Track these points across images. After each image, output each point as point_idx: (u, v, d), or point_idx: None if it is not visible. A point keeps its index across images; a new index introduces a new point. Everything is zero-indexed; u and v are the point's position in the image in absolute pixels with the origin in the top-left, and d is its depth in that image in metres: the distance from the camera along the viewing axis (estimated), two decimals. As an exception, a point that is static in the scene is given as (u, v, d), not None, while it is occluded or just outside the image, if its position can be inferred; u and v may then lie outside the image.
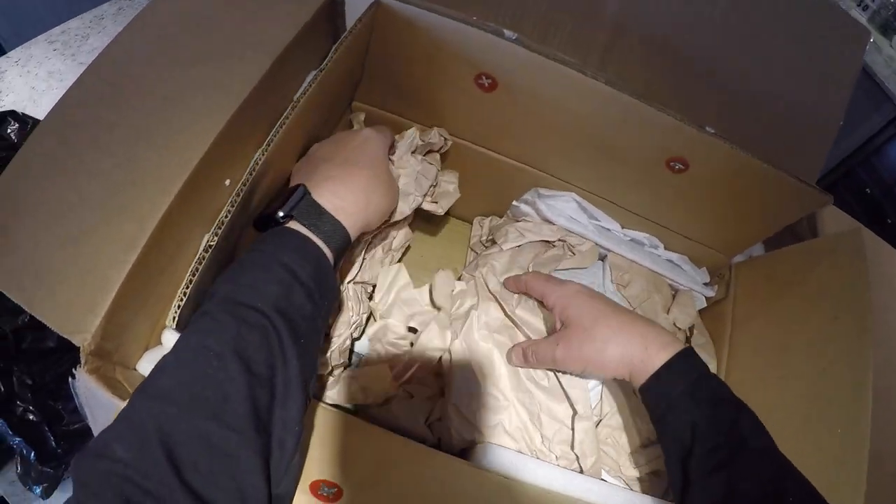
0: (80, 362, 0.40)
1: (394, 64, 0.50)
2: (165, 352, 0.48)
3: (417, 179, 0.52)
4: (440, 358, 0.51)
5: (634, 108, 0.48)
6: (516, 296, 0.55)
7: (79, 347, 0.40)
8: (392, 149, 0.52)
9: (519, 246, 0.59)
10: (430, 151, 0.58)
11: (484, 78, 0.49)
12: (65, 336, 0.39)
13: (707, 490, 0.40)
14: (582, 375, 0.50)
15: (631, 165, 0.56)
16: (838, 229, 0.70)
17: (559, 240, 0.59)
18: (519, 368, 0.50)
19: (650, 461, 0.51)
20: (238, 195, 0.37)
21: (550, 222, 0.60)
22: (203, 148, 0.44)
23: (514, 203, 0.64)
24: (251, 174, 0.39)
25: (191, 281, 0.34)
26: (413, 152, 0.54)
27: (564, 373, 0.51)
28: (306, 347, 0.35)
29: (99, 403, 0.40)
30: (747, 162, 0.50)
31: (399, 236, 0.58)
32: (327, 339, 0.52)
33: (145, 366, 0.45)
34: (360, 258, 0.54)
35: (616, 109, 0.48)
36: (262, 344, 0.33)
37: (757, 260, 0.65)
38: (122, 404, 0.35)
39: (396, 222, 0.55)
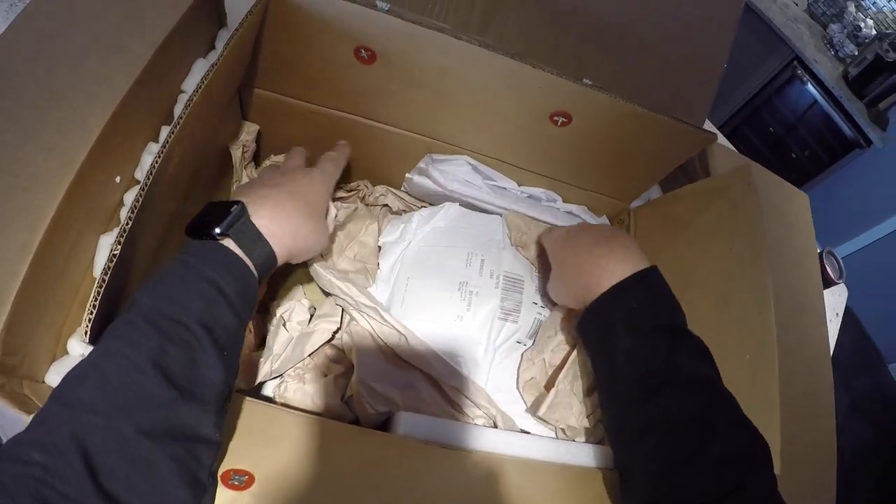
0: (-19, 382, 0.39)
1: (276, 44, 0.49)
2: (73, 362, 0.48)
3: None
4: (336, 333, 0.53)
5: (511, 68, 0.49)
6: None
7: (-20, 366, 0.39)
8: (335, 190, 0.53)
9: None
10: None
11: (363, 51, 0.49)
12: (-38, 355, 0.38)
13: (633, 416, 0.41)
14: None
15: (517, 124, 0.57)
16: (730, 166, 0.74)
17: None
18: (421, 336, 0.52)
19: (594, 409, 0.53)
20: (138, 201, 0.36)
21: (443, 187, 0.61)
22: (87, 146, 0.43)
23: (408, 175, 0.65)
24: (149, 178, 0.38)
25: (98, 293, 0.34)
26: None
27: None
28: (230, 360, 0.36)
29: (9, 421, 0.38)
30: (628, 109, 0.52)
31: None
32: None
33: (54, 378, 0.44)
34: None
35: (495, 71, 0.50)
36: (183, 358, 0.33)
37: (654, 202, 0.68)
38: (29, 419, 0.33)
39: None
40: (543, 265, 0.60)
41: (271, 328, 0.54)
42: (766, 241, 0.55)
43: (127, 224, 0.36)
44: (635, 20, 0.59)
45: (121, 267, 0.37)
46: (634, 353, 0.42)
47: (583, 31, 0.58)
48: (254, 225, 0.40)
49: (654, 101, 0.53)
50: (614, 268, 0.45)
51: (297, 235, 0.42)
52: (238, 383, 0.50)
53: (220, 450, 0.35)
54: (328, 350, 0.51)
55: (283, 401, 0.49)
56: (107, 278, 0.34)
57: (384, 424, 0.48)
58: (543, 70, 0.49)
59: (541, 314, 0.56)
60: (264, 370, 0.50)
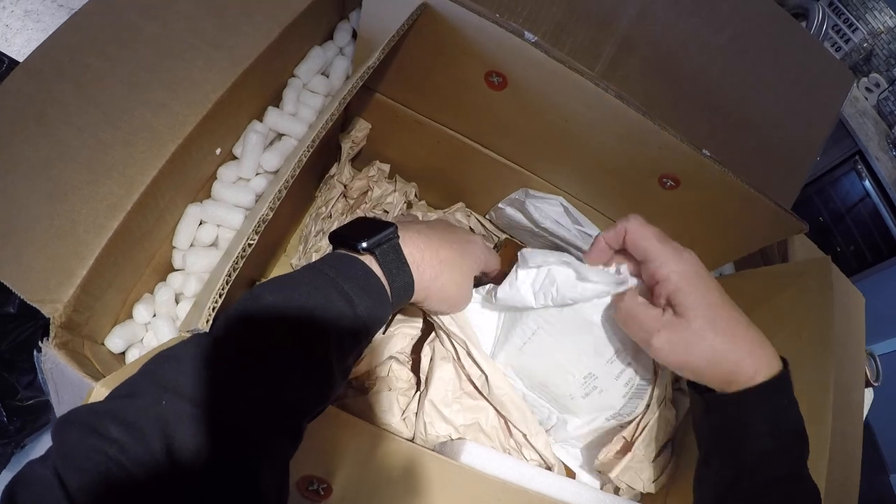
0: (47, 334, 0.37)
1: (412, 53, 0.48)
2: (136, 328, 0.46)
3: None
4: (415, 346, 0.50)
5: (637, 123, 0.48)
6: None
7: (47, 318, 0.37)
8: (489, 275, 0.48)
9: None
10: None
11: (495, 76, 0.48)
12: (33, 304, 0.36)
13: None
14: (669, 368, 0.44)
15: (623, 177, 0.56)
16: (805, 255, 0.72)
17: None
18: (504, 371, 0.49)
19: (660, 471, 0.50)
20: (278, 200, 0.34)
21: (536, 223, 0.59)
22: (201, 112, 0.41)
23: (500, 205, 0.63)
24: (294, 172, 0.35)
25: (228, 281, 0.31)
26: None
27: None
28: (341, 373, 0.33)
29: (66, 381, 0.36)
30: (735, 185, 0.50)
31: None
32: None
33: (115, 341, 0.42)
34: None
35: (619, 122, 0.48)
36: (295, 372, 0.30)
37: (727, 278, 0.66)
38: (91, 383, 0.31)
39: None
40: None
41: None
42: (835, 335, 0.54)
43: (267, 215, 0.33)
44: (745, 100, 0.58)
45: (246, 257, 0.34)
46: (772, 456, 0.38)
47: (697, 101, 0.57)
48: (401, 250, 0.37)
49: (752, 180, 0.52)
50: (762, 356, 0.39)
51: (440, 279, 0.39)
52: None
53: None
54: (395, 365, 0.49)
55: (341, 406, 0.47)
56: (237, 267, 0.32)
57: (438, 448, 0.47)
58: (668, 132, 0.47)
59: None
60: None
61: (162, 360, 0.28)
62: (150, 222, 0.41)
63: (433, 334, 0.48)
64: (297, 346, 0.30)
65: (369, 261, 0.35)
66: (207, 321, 0.30)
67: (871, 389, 1.07)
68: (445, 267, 0.39)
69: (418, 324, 0.51)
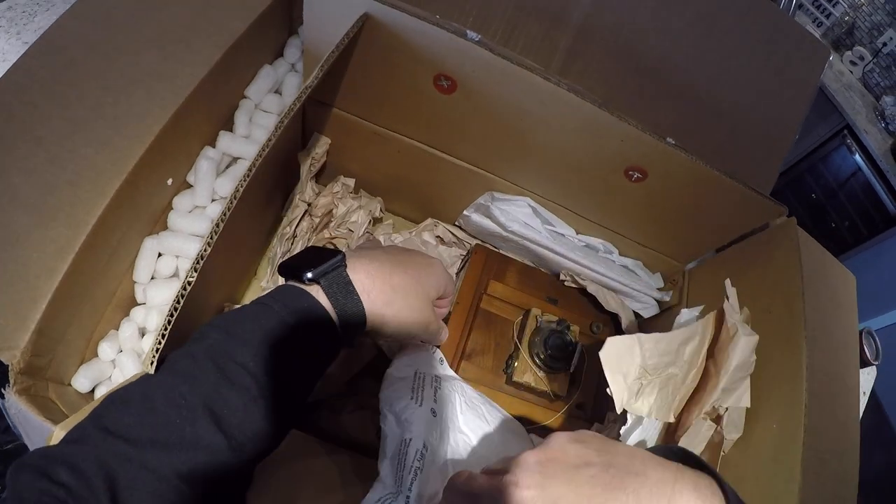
0: (8, 382, 0.37)
1: (357, 64, 0.48)
2: (102, 366, 0.45)
3: None
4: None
5: (596, 117, 0.47)
6: None
7: (7, 365, 0.36)
8: (446, 297, 0.45)
9: None
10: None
11: (443, 79, 0.47)
12: (-11, 353, 0.36)
13: None
14: None
15: (588, 173, 0.55)
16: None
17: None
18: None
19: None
20: (213, 235, 0.33)
21: (503, 227, 0.59)
22: (144, 144, 0.41)
23: (465, 213, 0.62)
24: (232, 203, 0.35)
25: (169, 322, 0.31)
26: None
27: None
28: (287, 411, 0.33)
29: (30, 425, 0.36)
30: (706, 173, 0.49)
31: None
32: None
33: (81, 381, 0.42)
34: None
35: (577, 117, 0.47)
36: (238, 405, 0.30)
37: (707, 263, 0.65)
38: (55, 428, 0.32)
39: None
40: None
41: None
42: (806, 305, 0.51)
43: (204, 251, 0.33)
44: (714, 83, 0.57)
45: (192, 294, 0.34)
46: None
47: (662, 88, 0.56)
48: (349, 278, 0.36)
49: (725, 166, 0.51)
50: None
51: (394, 305, 0.38)
52: None
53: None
54: (369, 382, 0.48)
55: (315, 430, 0.47)
56: (178, 307, 0.31)
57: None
58: (629, 123, 0.46)
59: None
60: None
61: (109, 402, 0.29)
62: (103, 260, 0.41)
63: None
64: (237, 386, 0.30)
65: (316, 291, 0.34)
66: (151, 363, 0.30)
67: (873, 368, 1.06)
68: (399, 293, 0.38)
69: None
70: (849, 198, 1.75)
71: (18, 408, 0.36)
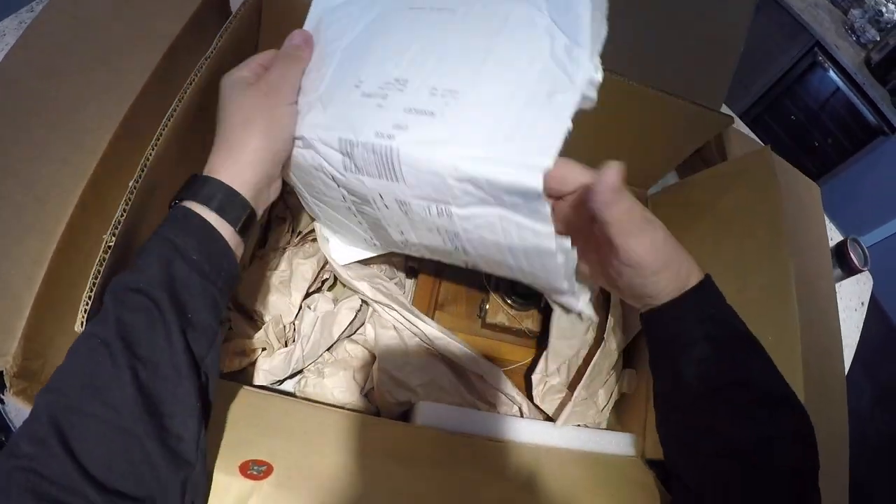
0: (5, 386, 0.40)
1: (273, 38, 0.49)
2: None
3: None
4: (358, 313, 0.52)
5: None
6: None
7: (2, 372, 0.39)
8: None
9: None
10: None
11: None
12: (-15, 362, 0.39)
13: (711, 434, 0.37)
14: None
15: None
16: (747, 151, 0.72)
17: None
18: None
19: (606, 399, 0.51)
20: (132, 193, 0.37)
21: None
22: (97, 156, 0.44)
23: None
24: (142, 170, 0.39)
25: (94, 284, 0.34)
26: None
27: None
28: (196, 323, 0.35)
29: (30, 426, 0.39)
30: (643, 93, 0.51)
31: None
32: (251, 319, 0.52)
33: (74, 379, 0.45)
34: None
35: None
36: (146, 325, 0.33)
37: (671, 188, 0.66)
38: None
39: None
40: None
41: (299, 315, 0.53)
42: (787, 225, 0.53)
43: (121, 216, 0.37)
44: (646, 3, 0.58)
45: (116, 257, 0.38)
46: (709, 364, 0.38)
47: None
48: (197, 174, 0.38)
49: (669, 85, 0.52)
50: (692, 263, 0.40)
51: (244, 150, 0.38)
52: (275, 374, 0.50)
53: (205, 421, 0.34)
54: (348, 345, 0.51)
55: (303, 395, 0.49)
56: (101, 270, 0.35)
57: (404, 416, 0.48)
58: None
59: None
60: (296, 355, 0.50)
61: (54, 371, 0.33)
62: (78, 265, 0.44)
63: (370, 309, 0.50)
64: (138, 310, 0.34)
65: (190, 203, 0.37)
66: (82, 323, 0.35)
67: (867, 274, 1.06)
68: (240, 135, 0.38)
69: (357, 298, 0.52)
70: (829, 115, 1.75)
71: (18, 409, 0.39)
